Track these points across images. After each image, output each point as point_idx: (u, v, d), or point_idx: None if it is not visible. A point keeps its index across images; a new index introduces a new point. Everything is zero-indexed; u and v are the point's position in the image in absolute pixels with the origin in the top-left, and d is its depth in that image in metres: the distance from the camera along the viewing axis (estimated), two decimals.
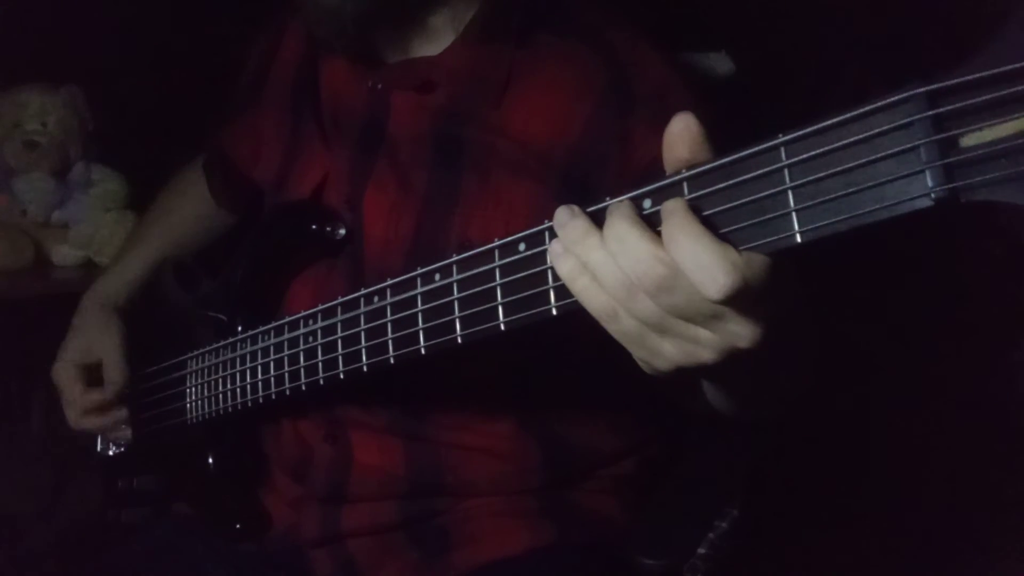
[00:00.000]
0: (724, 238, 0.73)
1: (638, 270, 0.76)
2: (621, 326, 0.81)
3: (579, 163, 1.30)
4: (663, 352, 0.82)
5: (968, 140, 0.60)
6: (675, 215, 0.75)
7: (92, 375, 1.66)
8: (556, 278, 0.85)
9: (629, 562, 1.45)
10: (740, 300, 0.74)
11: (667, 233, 0.74)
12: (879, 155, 0.64)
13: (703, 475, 1.66)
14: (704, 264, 0.72)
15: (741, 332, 0.77)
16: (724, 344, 0.79)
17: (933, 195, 0.62)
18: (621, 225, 0.77)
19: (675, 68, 1.34)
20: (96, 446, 1.77)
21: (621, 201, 0.80)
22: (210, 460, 1.54)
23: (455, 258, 0.96)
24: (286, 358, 1.29)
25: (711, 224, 0.74)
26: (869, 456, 2.55)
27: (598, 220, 0.80)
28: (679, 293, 0.75)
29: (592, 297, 0.81)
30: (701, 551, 1.49)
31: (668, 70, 1.33)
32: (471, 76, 1.36)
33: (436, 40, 1.39)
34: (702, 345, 0.80)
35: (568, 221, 0.81)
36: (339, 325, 1.16)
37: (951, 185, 0.61)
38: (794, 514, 2.38)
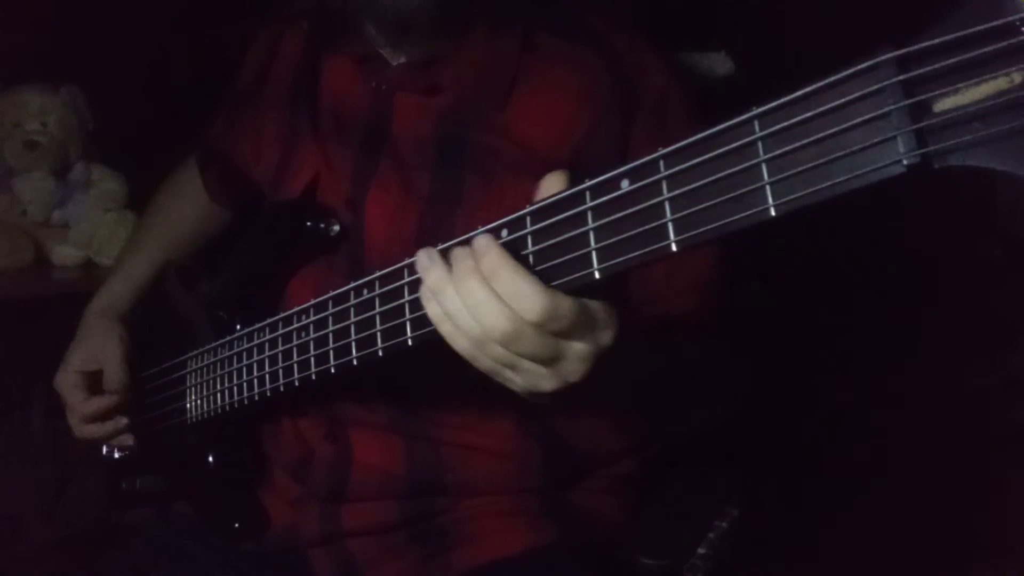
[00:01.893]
0: (703, 213, 0.73)
1: (487, 323, 0.86)
2: (482, 364, 0.92)
3: (581, 166, 1.29)
4: (514, 382, 0.94)
5: (941, 104, 0.59)
6: (487, 254, 0.86)
7: (96, 384, 1.65)
8: (537, 263, 0.87)
9: (629, 562, 1.45)
10: (555, 325, 0.85)
11: (487, 271, 0.86)
12: (851, 123, 0.64)
13: (703, 475, 1.65)
14: (520, 291, 0.84)
15: (571, 369, 0.90)
16: (559, 378, 0.91)
17: (905, 161, 0.61)
18: (468, 282, 0.87)
19: (675, 75, 1.36)
20: (99, 448, 1.77)
21: (464, 251, 0.89)
22: (210, 460, 1.54)
23: (440, 246, 0.96)
24: (280, 354, 1.28)
25: (689, 199, 0.74)
26: (869, 456, 2.55)
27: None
28: (524, 342, 0.86)
29: (456, 341, 0.91)
30: (701, 551, 1.48)
31: (669, 78, 1.35)
32: (476, 79, 1.36)
33: (442, 43, 1.39)
34: (542, 378, 0.91)
35: (429, 267, 0.92)
36: (330, 319, 1.16)
37: (923, 151, 0.60)
38: (794, 514, 2.37)
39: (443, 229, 1.33)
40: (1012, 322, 2.39)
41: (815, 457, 2.49)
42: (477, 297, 0.86)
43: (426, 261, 0.92)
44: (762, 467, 1.63)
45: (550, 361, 0.88)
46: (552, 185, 0.91)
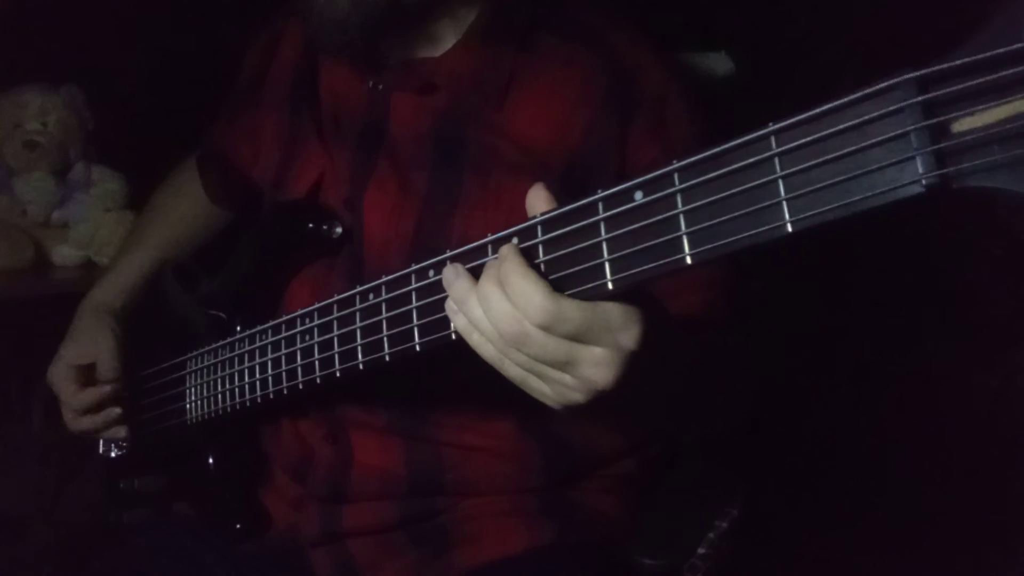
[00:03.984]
0: (718, 227, 0.73)
1: (501, 327, 0.87)
2: (508, 372, 0.93)
3: (578, 166, 1.30)
4: (545, 394, 0.93)
5: (960, 126, 0.59)
6: (505, 260, 0.87)
7: (88, 376, 1.65)
8: (549, 272, 0.87)
9: (629, 562, 1.45)
10: (562, 328, 0.85)
11: (502, 276, 0.87)
12: (869, 142, 0.64)
13: (703, 475, 1.66)
14: (526, 293, 0.84)
15: (595, 376, 0.87)
16: (585, 387, 0.89)
17: (924, 182, 0.61)
18: (486, 286, 0.88)
19: (674, 74, 1.36)
20: (98, 448, 1.77)
21: (493, 260, 0.90)
22: (210, 460, 1.54)
23: (448, 253, 0.96)
24: (283, 357, 1.29)
25: (704, 213, 0.74)
26: (869, 456, 2.55)
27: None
28: (534, 345, 0.86)
29: (483, 349, 0.92)
30: (701, 551, 1.49)
31: (667, 76, 1.34)
32: (472, 78, 1.36)
33: (438, 42, 1.39)
34: (570, 388, 0.90)
35: (454, 280, 0.92)
36: (335, 323, 1.16)
37: (942, 171, 0.60)
38: (794, 514, 2.38)
39: (441, 229, 1.34)
40: (1012, 322, 2.39)
41: (815, 457, 2.49)
42: (491, 300, 0.87)
43: (452, 275, 0.92)
44: (762, 467, 1.63)
45: (565, 365, 0.87)
46: (537, 199, 0.90)
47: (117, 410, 1.66)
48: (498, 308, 0.86)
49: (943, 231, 2.08)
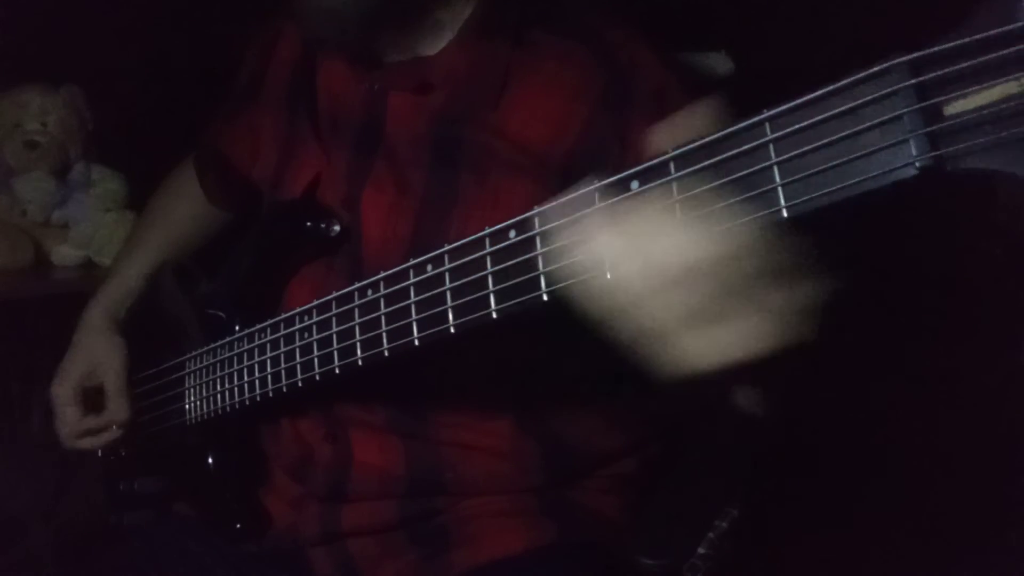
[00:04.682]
0: (711, 215, 0.73)
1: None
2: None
3: (577, 164, 1.30)
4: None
5: (952, 108, 0.60)
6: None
7: (91, 397, 1.64)
8: (547, 263, 0.86)
9: (629, 562, 1.45)
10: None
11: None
12: (863, 126, 0.64)
13: (703, 475, 1.65)
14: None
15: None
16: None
17: (918, 164, 0.61)
18: None
19: (673, 68, 1.34)
20: (97, 451, 1.76)
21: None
22: (210, 460, 1.53)
23: (446, 248, 0.96)
24: (282, 355, 1.28)
25: (699, 202, 0.74)
26: (869, 456, 2.55)
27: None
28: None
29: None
30: (701, 551, 1.48)
31: (666, 71, 1.33)
32: (468, 77, 1.36)
33: (434, 39, 1.39)
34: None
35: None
36: (334, 320, 1.16)
37: (935, 153, 0.61)
38: (794, 514, 2.37)
39: (439, 229, 1.33)
40: (1012, 322, 2.39)
41: (815, 457, 2.49)
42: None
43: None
44: (762, 467, 1.63)
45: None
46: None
47: (119, 433, 1.65)
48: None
49: (944, 231, 2.08)
